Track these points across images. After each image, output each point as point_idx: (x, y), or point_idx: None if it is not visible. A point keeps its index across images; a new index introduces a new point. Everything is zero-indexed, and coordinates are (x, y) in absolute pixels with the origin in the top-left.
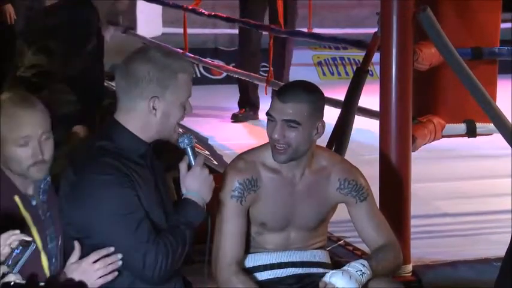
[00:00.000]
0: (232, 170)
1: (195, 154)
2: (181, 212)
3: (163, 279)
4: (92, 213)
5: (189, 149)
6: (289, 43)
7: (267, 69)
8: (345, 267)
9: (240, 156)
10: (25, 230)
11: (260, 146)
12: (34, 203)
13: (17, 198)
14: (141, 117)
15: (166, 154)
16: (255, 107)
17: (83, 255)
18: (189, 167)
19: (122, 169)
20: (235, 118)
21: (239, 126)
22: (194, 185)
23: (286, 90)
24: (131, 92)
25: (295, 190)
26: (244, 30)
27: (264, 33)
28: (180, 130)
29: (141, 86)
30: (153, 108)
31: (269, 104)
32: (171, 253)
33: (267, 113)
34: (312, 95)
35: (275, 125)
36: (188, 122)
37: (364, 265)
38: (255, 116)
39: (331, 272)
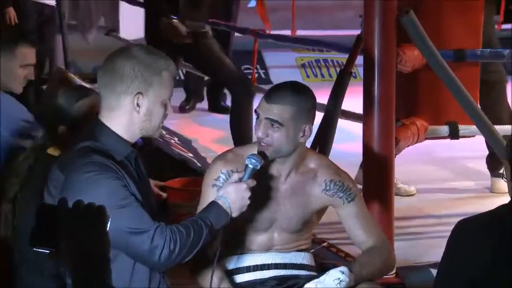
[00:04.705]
0: (219, 160)
1: (252, 176)
2: (206, 209)
3: (168, 266)
4: None
5: (250, 168)
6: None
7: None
8: (322, 278)
9: (231, 149)
10: None
11: (252, 143)
12: None
13: None
14: (125, 114)
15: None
16: (199, 97)
17: None
18: (240, 180)
19: (109, 165)
20: (182, 110)
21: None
22: (231, 194)
23: (273, 91)
24: (116, 89)
25: (280, 190)
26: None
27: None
28: (256, 152)
29: (126, 82)
30: (137, 105)
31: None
32: (178, 242)
33: (255, 111)
34: (297, 98)
35: (260, 123)
36: (172, 124)
37: (343, 272)
38: (195, 106)
39: (305, 285)
